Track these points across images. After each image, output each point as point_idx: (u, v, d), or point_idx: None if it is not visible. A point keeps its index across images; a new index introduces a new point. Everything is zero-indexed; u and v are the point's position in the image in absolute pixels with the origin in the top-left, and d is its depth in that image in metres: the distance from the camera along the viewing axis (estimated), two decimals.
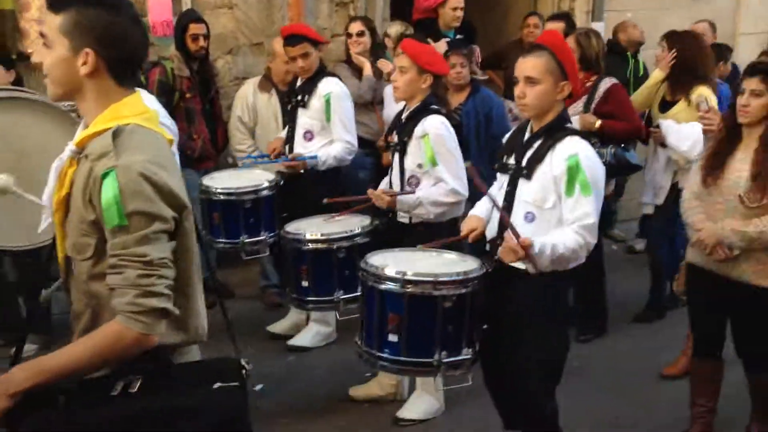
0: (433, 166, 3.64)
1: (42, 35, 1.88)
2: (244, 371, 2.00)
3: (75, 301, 1.98)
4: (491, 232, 3.09)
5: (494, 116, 4.78)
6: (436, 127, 3.63)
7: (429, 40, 5.63)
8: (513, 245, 2.70)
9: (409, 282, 2.86)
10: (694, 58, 4.67)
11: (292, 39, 4.40)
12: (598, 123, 4.47)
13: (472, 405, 3.98)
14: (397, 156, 3.81)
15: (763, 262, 3.28)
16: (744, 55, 7.01)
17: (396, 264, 2.99)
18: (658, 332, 4.97)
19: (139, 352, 1.83)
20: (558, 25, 5.06)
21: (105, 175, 1.77)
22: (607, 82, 4.60)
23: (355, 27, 5.26)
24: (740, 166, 3.32)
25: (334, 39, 5.75)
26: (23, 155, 2.95)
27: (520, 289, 2.95)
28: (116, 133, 1.81)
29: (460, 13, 5.78)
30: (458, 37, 5.86)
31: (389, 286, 2.90)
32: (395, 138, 3.82)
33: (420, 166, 3.69)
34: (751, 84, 3.30)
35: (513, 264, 2.90)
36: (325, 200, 3.94)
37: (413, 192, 3.69)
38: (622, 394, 4.25)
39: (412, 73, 3.66)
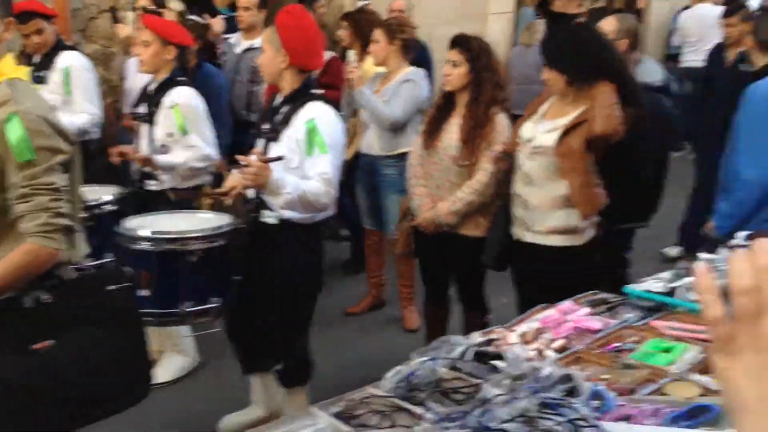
0: (184, 134, 3.86)
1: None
2: (126, 275, 2.50)
3: None
4: (251, 191, 3.38)
5: (212, 97, 4.70)
6: (184, 97, 3.87)
7: (205, 16, 5.81)
8: (256, 165, 2.97)
9: (156, 240, 3.13)
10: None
11: (23, 17, 4.30)
12: (320, 92, 4.82)
13: (217, 367, 4.33)
14: (146, 127, 3.98)
15: (473, 213, 3.77)
16: (495, 34, 7.80)
17: (147, 224, 3.25)
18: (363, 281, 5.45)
19: (51, 266, 2.20)
20: None
21: (8, 120, 2.11)
22: (327, 55, 4.99)
23: (142, 1, 5.32)
24: (454, 129, 3.78)
25: (101, 15, 5.75)
26: None
27: (276, 241, 3.29)
28: (9, 85, 2.19)
29: None
30: (233, 14, 6.06)
31: (140, 245, 3.15)
32: (143, 109, 3.99)
33: (170, 135, 3.89)
34: (451, 55, 3.76)
35: (266, 220, 3.28)
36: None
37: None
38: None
39: (156, 46, 3.86)
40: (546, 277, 3.36)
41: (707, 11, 7.93)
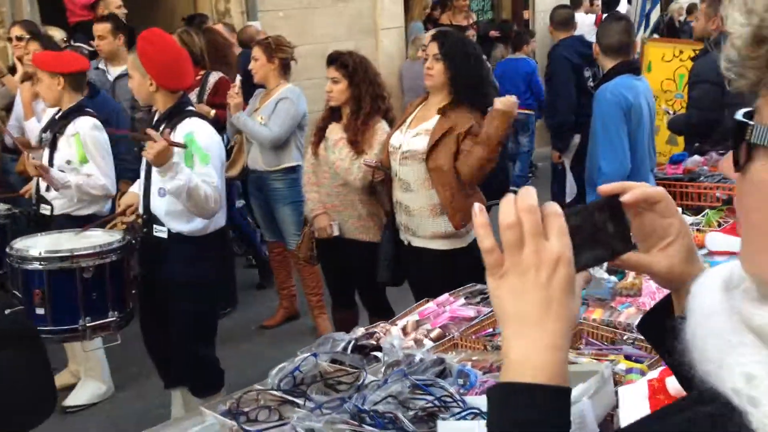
0: (83, 163, 3.94)
1: None
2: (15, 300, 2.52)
3: None
4: (141, 208, 3.49)
5: (115, 122, 4.80)
6: (87, 127, 3.93)
7: (93, 43, 5.81)
8: (160, 143, 3.05)
9: (46, 259, 3.21)
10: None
11: None
12: (213, 112, 4.94)
13: (137, 387, 4.38)
14: (47, 151, 4.04)
15: (363, 219, 3.97)
16: (388, 47, 8.06)
17: (39, 245, 3.31)
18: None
19: None
20: (104, 26, 5.35)
21: None
22: (215, 76, 5.17)
23: (15, 31, 5.31)
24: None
25: None
26: None
27: (168, 255, 3.40)
28: None
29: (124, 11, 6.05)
30: None
31: (31, 265, 3.22)
32: (48, 134, 4.06)
33: (69, 162, 3.95)
34: (329, 72, 3.94)
35: (157, 234, 3.39)
36: None
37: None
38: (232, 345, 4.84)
39: (46, 79, 3.93)
40: (434, 277, 3.57)
41: (580, 19, 8.43)
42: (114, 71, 5.36)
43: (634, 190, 1.03)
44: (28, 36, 5.23)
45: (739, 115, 0.76)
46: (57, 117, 4.05)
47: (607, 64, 3.76)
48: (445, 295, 2.87)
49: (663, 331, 1.06)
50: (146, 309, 3.63)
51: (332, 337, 2.49)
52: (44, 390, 2.58)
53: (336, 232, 3.97)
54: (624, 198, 1.02)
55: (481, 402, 2.00)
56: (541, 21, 10.42)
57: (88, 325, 3.22)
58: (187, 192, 3.16)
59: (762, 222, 0.75)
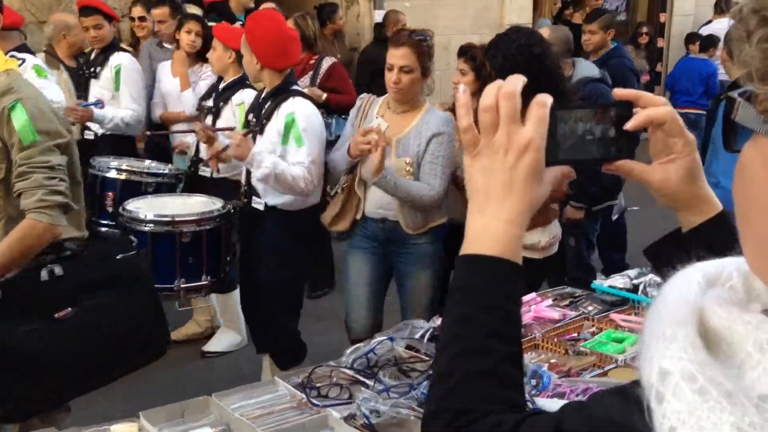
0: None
1: None
2: (133, 243, 2.76)
3: None
4: (243, 176, 3.66)
5: None
6: (250, 97, 4.11)
7: (224, 23, 6.07)
8: (236, 138, 3.31)
9: (151, 222, 3.42)
10: None
11: (85, 10, 4.84)
12: (324, 95, 4.97)
13: None
14: (210, 119, 4.28)
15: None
16: None
17: (146, 208, 3.51)
18: None
19: (50, 241, 2.40)
20: (163, 11, 5.37)
21: (12, 107, 2.34)
22: (328, 61, 5.20)
23: (136, 11, 5.61)
24: None
25: (124, 19, 6.04)
26: None
27: (263, 226, 3.55)
28: (7, 75, 2.43)
29: None
30: None
31: (138, 226, 3.43)
32: (211, 103, 4.32)
33: (232, 129, 4.17)
34: (459, 64, 3.93)
35: (255, 205, 3.54)
36: (147, 132, 4.54)
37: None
38: None
39: (219, 49, 4.17)
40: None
41: (725, 25, 7.99)
42: None
43: (638, 115, 1.00)
44: (144, 15, 5.49)
45: (735, 93, 0.70)
46: (221, 88, 4.28)
47: (735, 71, 3.55)
48: (533, 294, 2.81)
49: (668, 259, 1.03)
50: (244, 276, 3.78)
51: (412, 324, 2.49)
52: (151, 332, 2.69)
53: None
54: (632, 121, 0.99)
55: (550, 405, 1.95)
56: (678, 24, 9.96)
57: (182, 286, 3.39)
58: (274, 178, 3.30)
59: (744, 207, 0.70)
